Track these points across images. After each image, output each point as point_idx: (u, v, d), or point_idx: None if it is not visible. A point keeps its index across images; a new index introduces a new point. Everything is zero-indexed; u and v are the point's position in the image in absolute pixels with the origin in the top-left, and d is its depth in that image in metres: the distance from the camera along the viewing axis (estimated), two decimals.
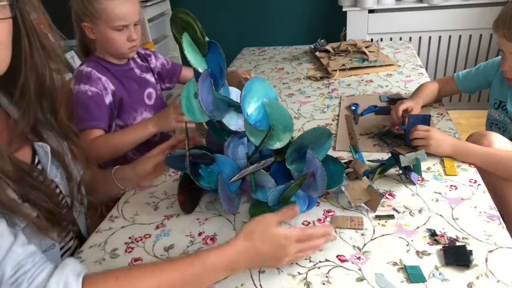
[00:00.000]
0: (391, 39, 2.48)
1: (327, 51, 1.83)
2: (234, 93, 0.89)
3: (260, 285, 0.69)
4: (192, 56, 0.77)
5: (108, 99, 1.21)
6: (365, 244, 0.76)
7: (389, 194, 0.89)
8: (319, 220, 0.83)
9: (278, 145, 0.81)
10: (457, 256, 0.69)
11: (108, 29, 1.16)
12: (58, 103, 0.74)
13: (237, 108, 0.82)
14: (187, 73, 1.59)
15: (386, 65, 1.62)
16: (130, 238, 0.84)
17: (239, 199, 0.92)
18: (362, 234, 0.78)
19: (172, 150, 0.91)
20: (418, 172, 0.91)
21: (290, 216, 0.73)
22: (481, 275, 0.66)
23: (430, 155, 1.00)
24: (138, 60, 1.38)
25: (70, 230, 0.83)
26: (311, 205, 0.87)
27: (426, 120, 1.05)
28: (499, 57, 1.16)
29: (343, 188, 0.86)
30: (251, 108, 0.80)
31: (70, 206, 0.81)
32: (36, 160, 0.75)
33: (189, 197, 0.91)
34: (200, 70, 0.78)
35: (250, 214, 0.87)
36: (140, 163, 0.92)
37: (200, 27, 0.76)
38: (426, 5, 2.37)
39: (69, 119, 1.08)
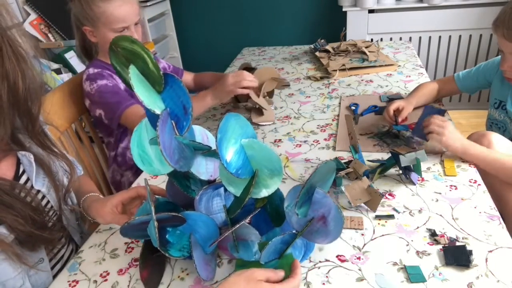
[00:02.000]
0: (391, 39, 2.48)
1: (327, 51, 1.83)
2: (198, 132, 0.75)
3: None
4: (145, 94, 0.61)
5: None
6: (365, 244, 0.76)
7: (389, 194, 0.89)
8: None
9: (265, 192, 0.67)
10: (457, 256, 0.69)
11: (109, 31, 1.16)
12: (35, 112, 0.71)
13: (206, 151, 0.69)
14: (187, 77, 1.60)
15: (386, 65, 1.62)
16: (130, 238, 0.84)
17: (215, 260, 0.76)
18: (362, 234, 0.78)
19: (131, 204, 0.82)
20: (418, 172, 0.91)
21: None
22: (481, 275, 0.66)
23: (430, 155, 1.00)
24: None
25: (60, 239, 0.82)
26: (308, 253, 0.74)
27: (441, 113, 1.03)
28: (499, 56, 1.16)
29: (343, 188, 0.86)
30: (230, 154, 0.65)
31: (60, 217, 0.81)
32: (21, 170, 0.74)
33: (154, 269, 0.74)
34: (157, 112, 0.62)
35: None
36: (103, 215, 0.81)
37: (153, 58, 0.61)
38: (426, 5, 2.37)
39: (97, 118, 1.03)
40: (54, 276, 0.81)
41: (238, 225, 0.66)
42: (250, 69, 1.43)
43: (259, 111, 1.30)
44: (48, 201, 0.78)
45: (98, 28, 1.17)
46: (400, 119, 1.14)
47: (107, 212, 0.80)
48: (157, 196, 0.78)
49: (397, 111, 1.16)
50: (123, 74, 0.62)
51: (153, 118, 0.64)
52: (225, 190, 0.71)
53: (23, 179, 0.74)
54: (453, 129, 0.98)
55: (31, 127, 0.73)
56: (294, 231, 0.68)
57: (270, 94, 1.42)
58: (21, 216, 0.67)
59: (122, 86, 1.23)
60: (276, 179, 0.67)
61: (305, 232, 0.68)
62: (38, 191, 0.76)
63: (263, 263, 0.68)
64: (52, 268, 0.81)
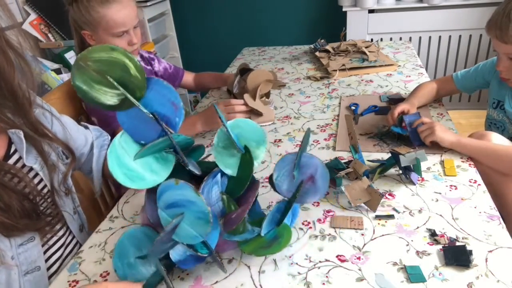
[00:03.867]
0: (391, 39, 2.48)
1: (327, 51, 1.83)
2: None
3: (260, 285, 0.69)
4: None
5: None
6: (365, 244, 0.76)
7: (389, 194, 0.89)
8: (319, 220, 0.83)
9: (255, 164, 0.72)
10: (457, 256, 0.69)
11: (108, 36, 1.16)
12: (27, 104, 0.72)
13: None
14: (188, 77, 1.60)
15: (386, 65, 1.62)
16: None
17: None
18: (362, 234, 0.78)
19: None
20: (418, 172, 0.91)
21: None
22: (481, 275, 0.66)
23: (430, 155, 1.00)
24: (142, 63, 1.37)
25: (55, 224, 0.81)
26: (294, 219, 0.78)
27: (417, 115, 1.10)
28: None
29: (343, 188, 0.86)
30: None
31: (53, 198, 0.81)
32: (13, 149, 0.75)
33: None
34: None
35: (247, 251, 0.72)
36: None
37: (136, 62, 0.59)
38: (426, 5, 2.37)
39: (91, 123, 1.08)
40: (53, 265, 0.81)
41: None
42: (247, 70, 1.43)
43: (257, 111, 1.30)
44: (42, 179, 0.79)
45: (97, 32, 1.17)
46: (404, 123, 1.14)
47: None
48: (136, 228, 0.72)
49: (402, 114, 1.16)
50: (90, 93, 0.58)
51: (133, 130, 0.63)
52: (221, 175, 0.72)
53: (14, 158, 0.75)
54: (441, 124, 1.02)
55: (25, 121, 0.74)
56: (286, 199, 0.73)
57: (267, 94, 1.41)
58: (5, 205, 0.67)
59: None
60: (262, 148, 0.74)
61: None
62: (30, 169, 0.77)
63: (263, 234, 0.71)
64: (52, 255, 0.81)
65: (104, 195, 1.25)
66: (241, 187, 0.71)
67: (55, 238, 0.83)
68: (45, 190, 0.80)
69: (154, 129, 0.64)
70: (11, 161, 0.74)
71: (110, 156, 0.62)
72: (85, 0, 1.12)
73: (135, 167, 0.63)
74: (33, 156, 0.77)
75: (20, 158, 0.75)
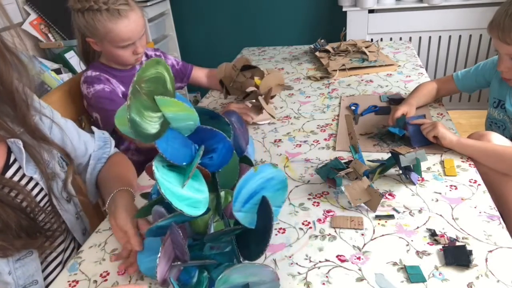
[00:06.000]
0: (391, 39, 2.48)
1: (327, 51, 1.83)
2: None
3: None
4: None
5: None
6: (365, 244, 0.76)
7: (389, 194, 0.89)
8: (319, 220, 0.83)
9: None
10: (457, 256, 0.69)
11: (113, 47, 1.16)
12: (25, 106, 0.71)
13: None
14: (198, 73, 1.56)
15: (386, 65, 1.62)
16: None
17: None
18: (362, 234, 0.78)
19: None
20: (418, 172, 0.91)
21: None
22: (481, 275, 0.66)
23: (430, 155, 1.00)
24: None
25: (55, 232, 0.80)
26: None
27: (420, 118, 1.11)
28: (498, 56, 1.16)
29: (343, 188, 0.86)
30: None
31: (54, 207, 0.80)
32: (12, 159, 0.74)
33: None
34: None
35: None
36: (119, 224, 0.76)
37: (170, 71, 0.56)
38: (426, 5, 2.37)
39: (92, 123, 1.06)
40: (51, 272, 0.81)
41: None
42: (249, 66, 1.40)
43: (259, 109, 1.29)
44: (42, 189, 0.78)
45: (102, 43, 1.16)
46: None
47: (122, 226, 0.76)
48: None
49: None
50: (141, 125, 0.51)
51: (175, 154, 0.58)
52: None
53: (14, 167, 0.74)
54: (443, 124, 1.03)
55: (25, 128, 0.73)
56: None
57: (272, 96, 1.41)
58: (2, 224, 0.66)
59: (119, 91, 1.23)
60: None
61: None
62: (30, 179, 0.75)
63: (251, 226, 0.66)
64: (51, 262, 0.81)
65: None
66: (232, 175, 0.69)
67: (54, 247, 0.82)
68: (46, 199, 0.79)
69: (188, 146, 0.61)
70: (11, 170, 0.73)
71: (167, 194, 0.55)
72: (92, 13, 1.10)
73: (189, 194, 0.58)
74: (33, 166, 0.76)
75: (20, 167, 0.74)
